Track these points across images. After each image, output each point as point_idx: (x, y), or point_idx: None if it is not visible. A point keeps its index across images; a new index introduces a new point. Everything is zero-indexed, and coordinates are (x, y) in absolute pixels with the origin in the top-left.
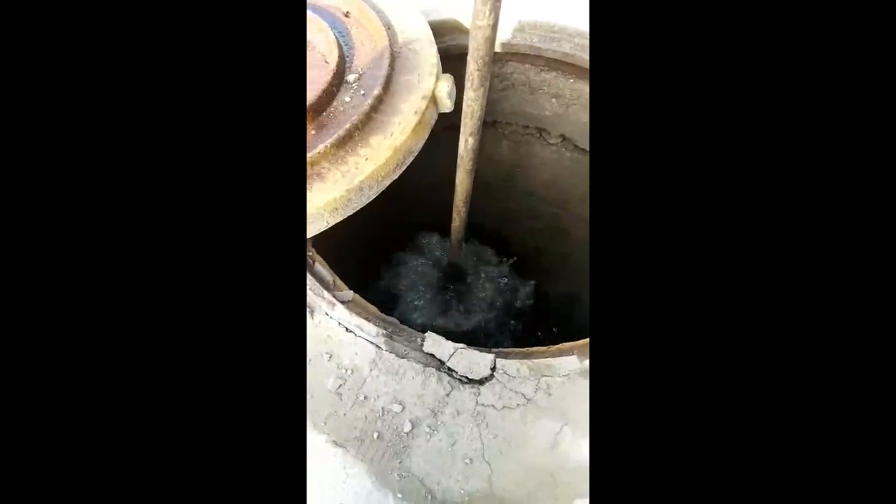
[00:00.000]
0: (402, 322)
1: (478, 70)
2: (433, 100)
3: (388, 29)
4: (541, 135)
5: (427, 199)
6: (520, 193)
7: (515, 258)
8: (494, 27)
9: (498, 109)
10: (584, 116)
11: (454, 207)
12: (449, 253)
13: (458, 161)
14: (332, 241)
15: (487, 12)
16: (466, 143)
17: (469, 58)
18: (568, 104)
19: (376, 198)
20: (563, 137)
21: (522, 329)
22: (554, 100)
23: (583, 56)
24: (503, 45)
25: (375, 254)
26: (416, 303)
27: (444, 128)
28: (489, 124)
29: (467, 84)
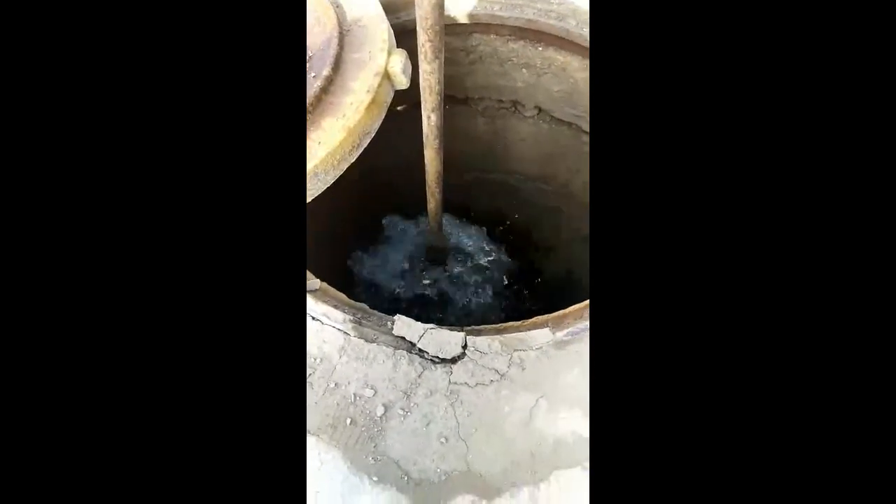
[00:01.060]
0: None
1: (429, 41)
2: (387, 76)
3: (336, 7)
4: (516, 108)
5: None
6: (499, 170)
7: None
8: None
9: (469, 85)
10: (557, 85)
11: (427, 188)
12: (428, 235)
13: (425, 140)
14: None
15: None
16: (430, 119)
17: (418, 28)
18: (539, 74)
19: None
20: (539, 109)
21: (506, 304)
22: (524, 70)
23: (547, 22)
24: (465, 16)
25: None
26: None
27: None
28: (461, 101)
29: (420, 57)
